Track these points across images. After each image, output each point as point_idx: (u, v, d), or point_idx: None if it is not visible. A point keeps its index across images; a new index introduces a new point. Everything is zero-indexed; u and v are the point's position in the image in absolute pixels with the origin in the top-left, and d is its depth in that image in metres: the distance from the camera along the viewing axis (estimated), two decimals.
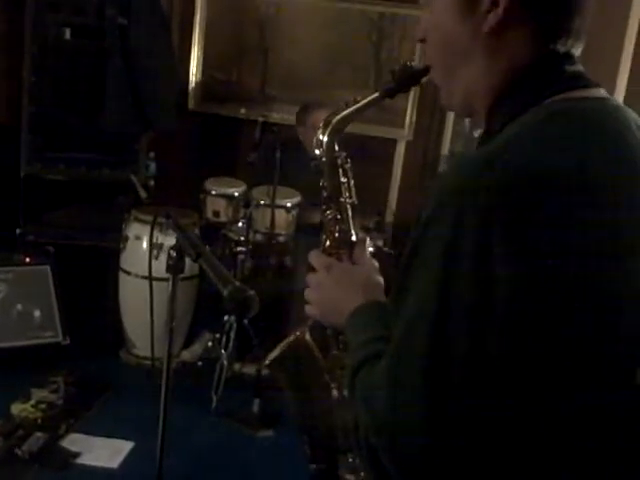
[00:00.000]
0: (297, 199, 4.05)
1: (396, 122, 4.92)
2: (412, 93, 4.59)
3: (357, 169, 1.38)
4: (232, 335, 3.67)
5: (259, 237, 4.01)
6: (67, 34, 4.28)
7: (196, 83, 5.10)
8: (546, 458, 0.91)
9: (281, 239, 4.04)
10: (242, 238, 3.91)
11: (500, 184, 0.89)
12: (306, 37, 4.90)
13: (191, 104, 5.11)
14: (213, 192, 4.04)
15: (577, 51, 1.04)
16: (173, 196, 4.20)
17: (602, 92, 1.04)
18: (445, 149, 5.00)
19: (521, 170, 0.90)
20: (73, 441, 3.16)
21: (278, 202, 3.83)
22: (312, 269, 1.28)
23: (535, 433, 0.90)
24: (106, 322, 4.05)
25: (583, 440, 0.92)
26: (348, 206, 1.35)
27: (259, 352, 3.61)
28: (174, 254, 1.95)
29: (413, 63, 1.25)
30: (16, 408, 3.28)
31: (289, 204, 4.00)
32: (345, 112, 1.31)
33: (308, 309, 1.27)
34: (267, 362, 1.40)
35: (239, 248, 3.91)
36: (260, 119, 4.03)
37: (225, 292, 1.66)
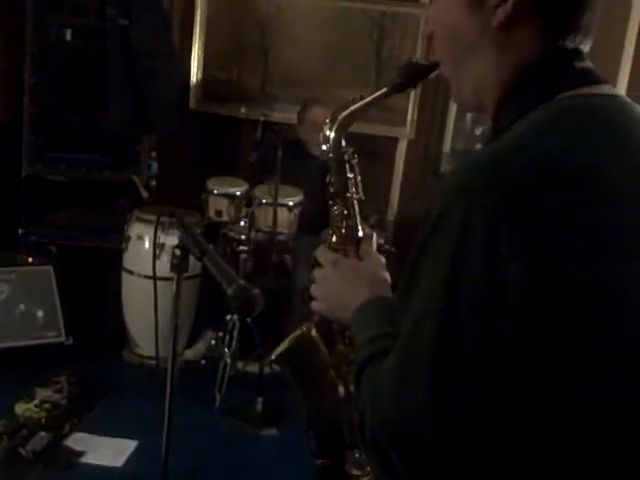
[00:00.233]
0: (299, 198, 4.06)
1: (397, 120, 4.92)
2: (413, 91, 4.59)
3: (358, 167, 1.38)
4: (235, 334, 3.68)
5: (261, 236, 4.01)
6: (68, 35, 4.28)
7: (197, 83, 5.10)
8: (552, 456, 0.91)
9: (283, 238, 4.04)
10: (244, 237, 3.91)
11: (507, 183, 0.88)
12: (307, 36, 4.89)
13: (192, 104, 5.11)
14: (215, 191, 4.04)
15: (586, 47, 1.04)
16: (175, 196, 4.20)
17: (611, 89, 1.03)
18: (447, 147, 4.99)
19: (529, 169, 0.89)
20: (77, 440, 3.17)
21: (280, 201, 3.84)
22: (318, 265, 1.28)
23: (542, 431, 0.90)
24: (109, 322, 4.06)
25: (591, 438, 0.92)
26: (355, 202, 1.35)
27: (262, 350, 3.62)
28: (178, 253, 1.95)
29: (420, 59, 1.24)
30: (20, 408, 3.29)
31: (291, 203, 4.00)
32: (352, 108, 1.30)
33: (314, 304, 1.27)
34: (273, 357, 1.40)
35: (241, 247, 3.91)
36: (261, 118, 4.03)
37: (229, 291, 1.66)
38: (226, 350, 3.66)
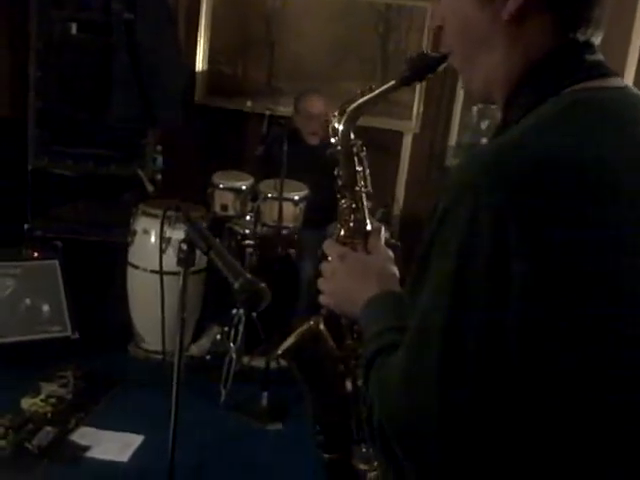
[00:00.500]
0: (304, 192, 4.05)
1: (403, 114, 4.91)
2: (419, 85, 4.58)
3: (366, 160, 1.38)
4: (240, 328, 3.68)
5: (266, 230, 4.01)
6: (73, 29, 4.28)
7: (202, 76, 5.09)
8: (557, 453, 0.91)
9: (288, 232, 4.04)
10: (249, 231, 3.91)
11: (513, 181, 0.88)
12: (313, 29, 4.88)
13: (197, 98, 5.10)
14: (221, 186, 4.03)
15: (597, 40, 1.03)
16: (180, 190, 4.18)
17: (621, 81, 1.03)
18: (452, 141, 4.98)
19: (537, 165, 0.89)
20: (83, 435, 3.18)
21: (285, 195, 3.83)
22: (326, 258, 1.27)
23: (545, 427, 0.90)
24: (114, 316, 4.06)
25: (593, 435, 0.91)
26: (363, 195, 1.35)
27: (267, 345, 3.61)
28: (185, 247, 1.95)
29: (429, 52, 1.23)
30: (26, 402, 3.29)
31: (296, 197, 4.00)
32: (361, 100, 1.30)
33: (322, 298, 1.26)
34: (280, 352, 1.39)
35: (246, 241, 3.91)
36: (267, 112, 4.02)
37: (236, 284, 1.66)
38: (231, 345, 3.66)
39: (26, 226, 4.23)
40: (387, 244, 1.32)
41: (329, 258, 1.27)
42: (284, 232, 3.97)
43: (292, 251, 4.12)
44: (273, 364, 3.48)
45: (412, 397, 0.91)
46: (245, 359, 3.81)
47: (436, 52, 1.20)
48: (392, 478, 1.02)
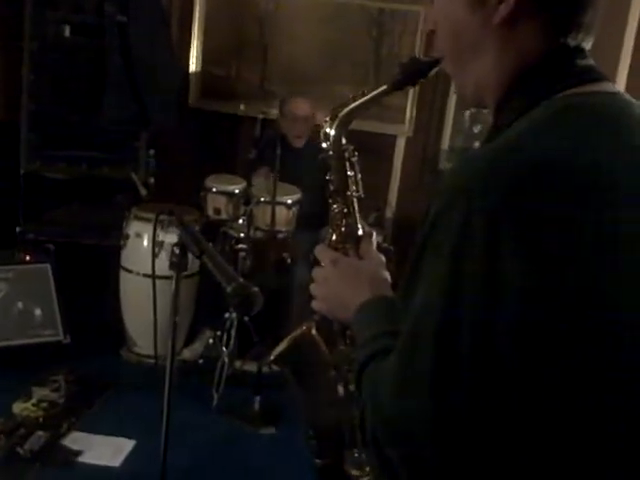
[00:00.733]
0: (297, 196, 4.05)
1: (396, 118, 4.92)
2: (411, 89, 4.59)
3: (358, 165, 1.37)
4: (233, 333, 3.67)
5: (259, 234, 4.00)
6: (66, 31, 4.27)
7: (195, 79, 5.09)
8: (555, 455, 0.90)
9: (282, 236, 4.04)
10: (243, 235, 3.90)
11: (506, 185, 0.88)
12: (305, 32, 4.88)
13: (191, 101, 5.10)
14: (214, 189, 4.03)
15: (588, 45, 1.03)
16: (173, 193, 4.20)
17: (613, 86, 1.03)
18: (445, 145, 4.99)
19: (531, 169, 0.89)
20: (75, 440, 3.16)
21: (278, 199, 3.83)
22: (318, 263, 1.27)
23: (543, 430, 0.90)
24: (107, 320, 4.05)
25: (593, 440, 0.91)
26: (355, 200, 1.35)
27: (260, 349, 3.61)
28: (177, 251, 1.95)
29: (421, 56, 1.24)
30: (17, 407, 3.28)
31: (289, 201, 3.99)
32: (352, 105, 1.30)
33: (314, 304, 1.26)
34: (272, 357, 1.39)
35: (240, 245, 3.91)
36: (260, 115, 4.02)
37: (229, 288, 1.66)
38: (224, 349, 3.65)
39: (18, 229, 4.22)
40: (379, 248, 1.32)
41: (321, 263, 1.27)
42: (277, 236, 3.97)
43: (286, 255, 4.11)
44: (265, 368, 3.47)
45: (406, 401, 0.91)
46: (237, 363, 3.80)
47: (428, 56, 1.20)
48: None
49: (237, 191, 4.03)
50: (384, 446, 0.94)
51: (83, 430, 3.24)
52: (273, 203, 3.78)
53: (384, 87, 1.26)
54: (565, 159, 0.90)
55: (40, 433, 3.12)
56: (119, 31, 4.17)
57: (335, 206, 1.35)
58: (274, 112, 4.38)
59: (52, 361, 3.66)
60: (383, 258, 1.29)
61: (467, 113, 4.86)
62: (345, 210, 1.34)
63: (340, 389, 1.35)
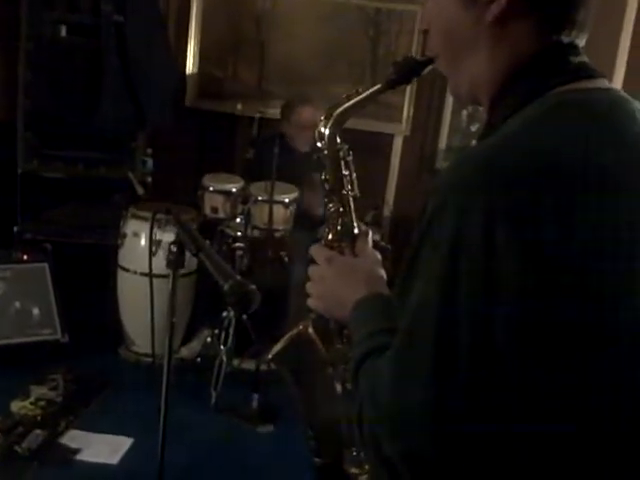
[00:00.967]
0: (295, 194, 4.05)
1: (393, 117, 4.92)
2: (409, 88, 4.59)
3: (354, 164, 1.38)
4: (231, 331, 3.67)
5: (257, 233, 4.01)
6: (63, 31, 4.27)
7: (192, 79, 5.09)
8: (551, 455, 0.91)
9: (279, 234, 4.04)
10: (240, 234, 3.91)
11: (502, 182, 0.88)
12: (303, 32, 4.89)
13: (188, 100, 5.10)
14: (211, 188, 4.03)
15: (581, 42, 1.03)
16: (171, 193, 4.21)
17: (607, 83, 1.03)
18: (442, 143, 5.00)
19: (523, 167, 0.89)
20: (73, 438, 3.16)
21: (276, 198, 3.83)
22: (314, 262, 1.28)
23: (539, 427, 0.90)
24: (105, 319, 4.04)
25: (594, 434, 0.92)
26: (350, 199, 1.35)
27: (258, 347, 3.61)
28: (174, 249, 1.95)
29: (416, 55, 1.24)
30: (15, 405, 3.28)
31: (287, 200, 4.00)
32: (347, 104, 1.30)
33: (310, 302, 1.26)
34: (270, 356, 1.39)
35: (237, 244, 3.91)
36: (257, 115, 4.02)
37: (226, 286, 1.66)
38: (222, 347, 3.65)
39: (16, 229, 4.22)
40: (376, 247, 1.32)
41: (317, 262, 1.28)
42: (275, 235, 3.97)
43: (283, 254, 4.12)
44: (263, 366, 3.47)
45: (404, 397, 0.91)
46: (235, 361, 3.80)
47: (422, 55, 1.21)
48: None
49: (234, 190, 4.03)
50: (383, 443, 0.93)
51: (81, 428, 3.24)
52: (271, 202, 3.78)
53: (378, 86, 1.26)
54: (559, 156, 0.90)
55: (38, 431, 3.12)
56: (116, 31, 4.17)
57: (331, 205, 1.35)
58: (271, 111, 4.38)
59: (50, 360, 3.66)
60: (379, 256, 1.29)
61: (464, 112, 4.87)
62: (341, 209, 1.34)
63: (338, 387, 1.35)
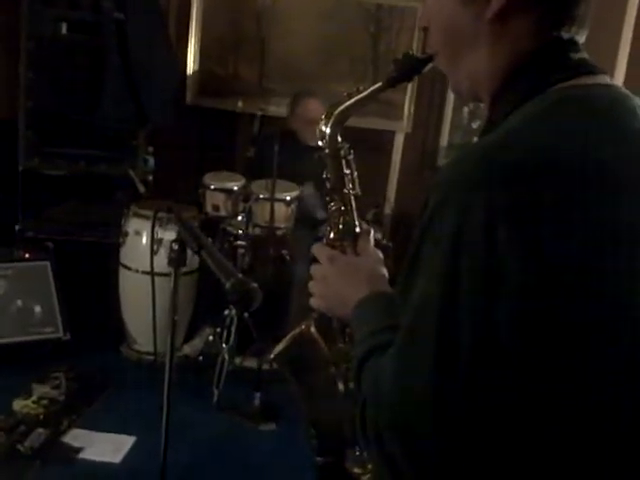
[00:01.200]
0: (296, 192, 4.05)
1: (394, 114, 4.92)
2: (410, 85, 4.58)
3: (355, 161, 1.37)
4: (233, 329, 3.68)
5: (258, 231, 4.01)
6: (63, 29, 4.26)
7: (193, 77, 5.08)
8: (551, 452, 0.90)
9: (280, 232, 4.04)
10: (241, 232, 3.90)
11: (503, 178, 0.88)
12: (303, 29, 4.88)
13: (189, 98, 5.09)
14: (212, 186, 4.03)
15: (581, 38, 1.03)
16: (172, 191, 4.20)
17: (607, 79, 1.03)
18: (444, 141, 4.99)
19: (523, 163, 0.89)
20: (75, 436, 3.17)
21: (277, 196, 3.83)
22: (316, 261, 1.27)
23: (545, 425, 0.90)
24: (107, 317, 4.04)
25: (594, 434, 0.92)
26: (352, 197, 1.35)
27: (259, 345, 3.61)
28: (176, 247, 1.95)
29: (416, 52, 1.23)
30: (18, 404, 3.28)
31: (288, 197, 4.00)
32: (348, 103, 1.29)
33: (313, 301, 1.26)
34: (272, 356, 1.39)
35: (238, 242, 3.91)
36: (258, 112, 4.02)
37: (228, 284, 1.66)
38: (224, 345, 3.65)
39: (17, 227, 4.22)
40: (378, 245, 1.32)
41: (319, 261, 1.27)
42: (276, 233, 3.97)
43: (285, 252, 4.12)
44: (266, 365, 3.48)
45: (407, 394, 0.91)
46: (237, 360, 3.80)
47: (422, 53, 1.20)
48: None
49: (235, 188, 4.03)
50: (385, 440, 0.93)
51: (83, 427, 3.25)
52: (272, 200, 3.78)
53: (379, 84, 1.26)
54: (558, 152, 0.90)
55: (40, 430, 3.13)
56: (116, 28, 4.16)
57: (332, 204, 1.35)
58: (272, 109, 4.37)
59: (52, 358, 3.67)
60: (381, 255, 1.29)
61: (466, 109, 4.86)
62: (342, 208, 1.34)
63: (340, 386, 1.35)
